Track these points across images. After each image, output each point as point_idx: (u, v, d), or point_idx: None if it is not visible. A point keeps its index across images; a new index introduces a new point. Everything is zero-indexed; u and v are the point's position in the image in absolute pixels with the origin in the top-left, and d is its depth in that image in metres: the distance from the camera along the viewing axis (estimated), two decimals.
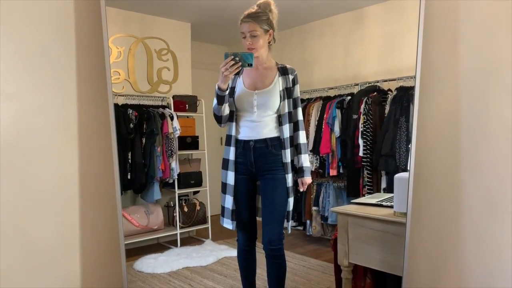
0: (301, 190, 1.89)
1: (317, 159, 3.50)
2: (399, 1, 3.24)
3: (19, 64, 1.53)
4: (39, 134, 1.57)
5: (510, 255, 1.47)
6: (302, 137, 1.89)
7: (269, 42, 1.84)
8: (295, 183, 1.91)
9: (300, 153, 1.88)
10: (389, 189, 2.89)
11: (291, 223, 1.92)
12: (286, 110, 1.85)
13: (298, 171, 1.89)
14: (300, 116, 1.90)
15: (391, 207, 1.88)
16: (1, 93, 1.48)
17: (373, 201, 2.06)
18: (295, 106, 1.88)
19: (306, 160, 1.88)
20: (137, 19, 3.57)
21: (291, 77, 1.86)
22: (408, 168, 1.65)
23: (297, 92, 1.89)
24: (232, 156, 1.87)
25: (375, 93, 3.17)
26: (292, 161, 1.88)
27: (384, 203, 1.99)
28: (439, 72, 1.60)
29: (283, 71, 1.87)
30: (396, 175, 1.82)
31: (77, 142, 1.63)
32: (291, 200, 1.86)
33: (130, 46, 3.51)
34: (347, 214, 1.93)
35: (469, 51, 1.54)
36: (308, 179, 1.88)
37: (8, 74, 1.50)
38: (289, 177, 1.84)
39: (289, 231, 1.93)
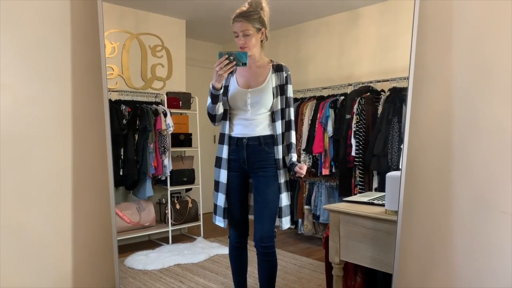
0: (302, 174, 1.81)
1: (309, 158, 3.52)
2: (394, 2, 3.27)
3: (14, 55, 1.53)
4: (32, 126, 1.56)
5: (500, 254, 1.49)
6: (293, 136, 1.91)
7: (261, 40, 1.85)
8: (290, 179, 1.91)
9: (290, 152, 1.90)
10: (381, 188, 2.91)
11: (288, 219, 1.89)
12: (279, 107, 1.86)
13: (290, 166, 1.88)
14: (292, 116, 1.92)
15: (383, 205, 1.89)
16: None
17: (365, 199, 2.08)
18: (287, 105, 1.89)
19: (295, 158, 1.89)
20: (132, 15, 3.55)
21: (284, 74, 1.87)
22: (400, 167, 1.66)
23: (290, 91, 1.90)
24: (225, 154, 1.87)
25: (369, 93, 3.20)
26: (284, 158, 1.89)
27: (375, 202, 2.01)
28: (432, 72, 1.62)
29: (277, 68, 1.88)
30: (388, 174, 1.84)
31: (71, 135, 1.62)
32: (283, 196, 1.87)
33: (124, 41, 3.49)
34: (339, 211, 1.94)
35: (462, 52, 1.56)
36: (302, 164, 1.85)
37: (3, 65, 1.49)
38: (281, 173, 1.85)
39: (285, 227, 1.88)
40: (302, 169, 1.82)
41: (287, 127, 1.90)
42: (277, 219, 1.88)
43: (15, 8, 1.51)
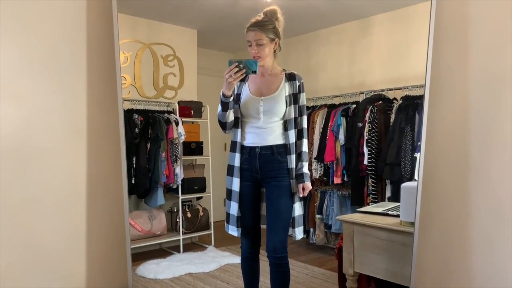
0: (301, 196, 1.85)
1: (321, 167, 3.49)
2: (406, 10, 3.25)
3: (30, 66, 1.55)
4: (48, 136, 1.58)
5: None
6: (305, 145, 1.89)
7: (274, 50, 1.85)
8: None
9: (302, 160, 1.87)
10: (394, 198, 2.88)
11: (301, 229, 1.87)
12: (292, 116, 1.85)
13: (297, 177, 1.86)
14: (305, 124, 1.90)
15: (397, 216, 1.86)
16: (11, 94, 1.49)
17: (379, 210, 2.05)
18: (300, 114, 1.88)
19: (306, 167, 1.88)
20: (144, 25, 3.59)
21: (297, 83, 1.87)
22: (416, 178, 1.64)
23: (303, 100, 1.89)
24: (237, 163, 1.86)
25: (381, 101, 3.17)
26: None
27: (390, 212, 1.98)
28: (449, 81, 1.60)
29: (290, 77, 1.87)
30: (403, 184, 1.81)
31: (86, 145, 1.64)
32: (297, 206, 1.85)
33: (136, 51, 3.53)
34: (353, 222, 1.92)
35: (478, 61, 1.54)
36: (309, 184, 1.86)
37: (19, 76, 1.52)
38: (294, 183, 1.84)
39: (299, 237, 1.86)
40: (305, 190, 1.84)
41: (299, 136, 1.89)
42: (290, 229, 1.86)
43: (29, 18, 1.53)
